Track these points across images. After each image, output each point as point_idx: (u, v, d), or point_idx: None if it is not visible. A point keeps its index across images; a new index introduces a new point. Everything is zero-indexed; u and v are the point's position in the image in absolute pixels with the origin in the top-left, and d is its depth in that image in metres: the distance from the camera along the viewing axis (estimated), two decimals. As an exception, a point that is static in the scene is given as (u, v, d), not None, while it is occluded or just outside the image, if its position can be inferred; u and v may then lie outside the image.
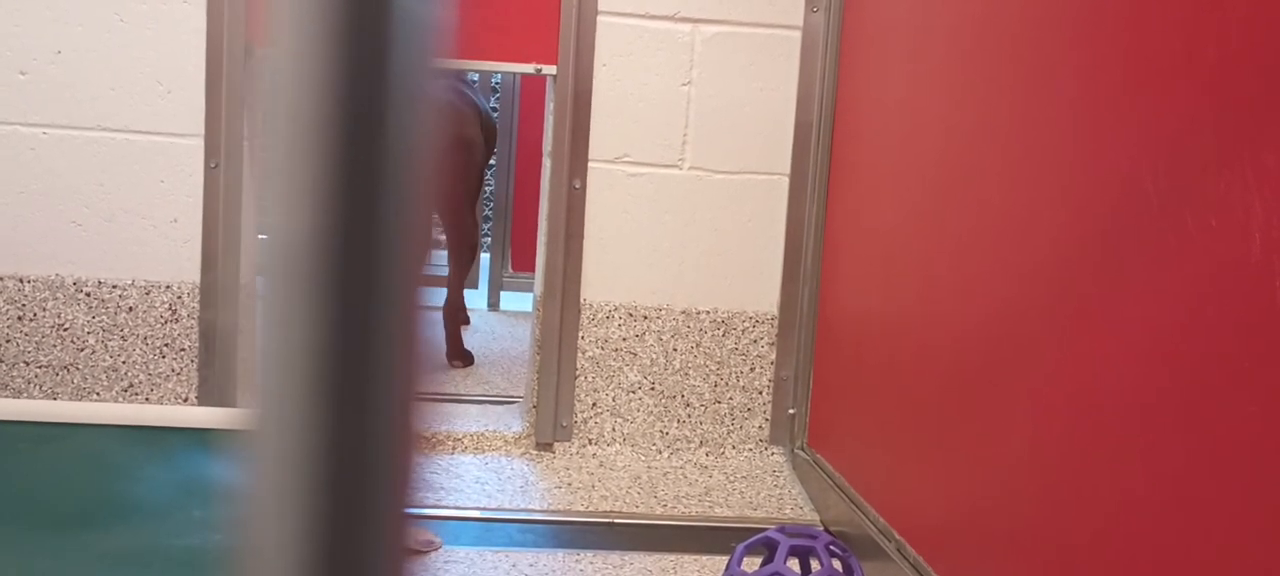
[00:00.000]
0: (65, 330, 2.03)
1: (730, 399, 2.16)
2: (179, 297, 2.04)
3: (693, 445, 2.16)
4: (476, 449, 2.12)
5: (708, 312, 2.14)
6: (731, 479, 2.07)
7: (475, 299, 3.94)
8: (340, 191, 0.29)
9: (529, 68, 2.06)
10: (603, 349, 2.12)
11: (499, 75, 4.22)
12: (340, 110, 0.29)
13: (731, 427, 2.17)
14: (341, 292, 0.29)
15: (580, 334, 2.11)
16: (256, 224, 2.17)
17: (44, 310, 2.02)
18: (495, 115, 3.92)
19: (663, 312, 2.13)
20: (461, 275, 2.93)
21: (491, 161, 3.56)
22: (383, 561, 0.31)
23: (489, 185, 3.97)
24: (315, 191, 0.29)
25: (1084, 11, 1.15)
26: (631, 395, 2.13)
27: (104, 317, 2.03)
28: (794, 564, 1.44)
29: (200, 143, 2.01)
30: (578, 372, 2.12)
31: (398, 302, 0.30)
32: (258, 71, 2.11)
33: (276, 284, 0.30)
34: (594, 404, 2.13)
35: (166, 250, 2.03)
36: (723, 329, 2.15)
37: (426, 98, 0.31)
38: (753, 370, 2.16)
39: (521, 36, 2.05)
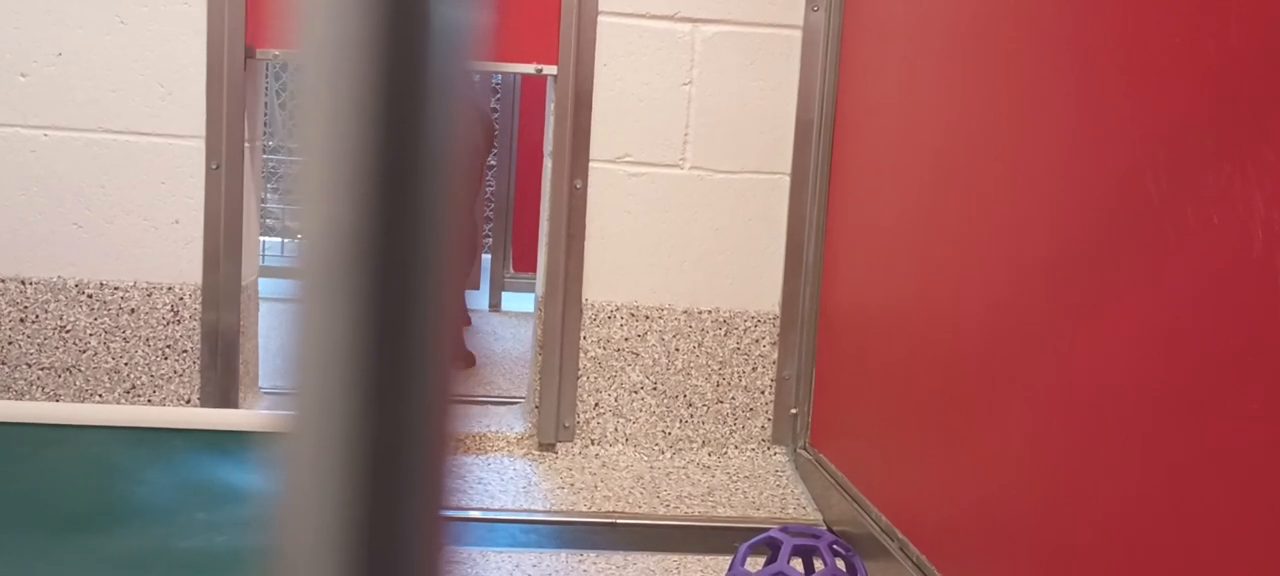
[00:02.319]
0: (67, 332, 2.03)
1: (732, 398, 2.16)
2: (181, 299, 2.04)
3: (695, 445, 2.16)
4: (479, 449, 2.12)
5: (709, 312, 2.13)
6: (734, 479, 2.07)
7: (476, 299, 3.94)
8: (377, 191, 0.29)
9: (529, 68, 2.06)
10: (605, 349, 2.12)
11: (499, 75, 4.22)
12: (377, 109, 0.29)
13: (734, 427, 2.17)
14: (378, 292, 0.29)
15: (582, 334, 2.11)
16: (263, 225, 2.17)
17: (46, 312, 2.02)
18: (495, 115, 3.92)
19: (664, 312, 2.12)
20: (463, 276, 2.94)
21: (491, 162, 3.56)
22: (420, 561, 0.31)
23: (489, 185, 3.97)
24: (352, 191, 0.29)
25: (1083, 6, 1.15)
26: (634, 395, 2.13)
27: (106, 319, 2.03)
28: (797, 563, 1.44)
29: (201, 144, 2.01)
30: (580, 373, 2.12)
31: (434, 303, 0.30)
32: (292, 70, 2.11)
33: (313, 284, 0.30)
34: (596, 404, 2.13)
35: (168, 251, 2.03)
36: (724, 328, 2.14)
37: (461, 98, 0.31)
38: (755, 370, 2.16)
39: (522, 37, 2.05)
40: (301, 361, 0.30)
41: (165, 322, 2.04)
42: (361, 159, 0.29)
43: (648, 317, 2.12)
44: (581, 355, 2.12)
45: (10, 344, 2.02)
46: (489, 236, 4.19)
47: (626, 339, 2.12)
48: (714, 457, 2.14)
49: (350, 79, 0.29)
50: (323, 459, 0.30)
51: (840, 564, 1.43)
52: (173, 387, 2.06)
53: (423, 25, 0.29)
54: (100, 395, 2.05)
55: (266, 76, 4.11)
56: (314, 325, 0.30)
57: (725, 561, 1.68)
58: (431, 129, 0.30)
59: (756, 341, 2.15)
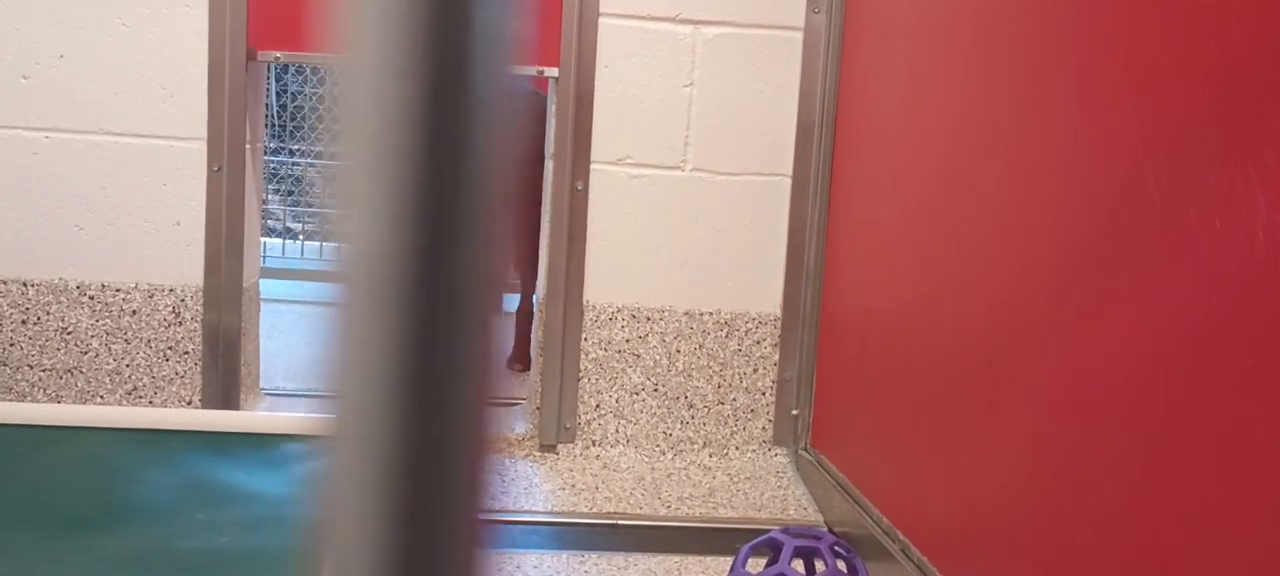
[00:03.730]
0: (69, 333, 2.03)
1: (733, 400, 2.16)
2: (182, 300, 2.04)
3: (696, 446, 2.16)
4: (480, 451, 2.11)
5: (711, 314, 2.14)
6: (735, 480, 2.07)
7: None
8: (420, 201, 0.29)
9: (531, 70, 2.06)
10: (606, 350, 2.12)
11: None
12: (420, 119, 0.29)
13: (735, 429, 2.17)
14: (420, 302, 0.30)
15: (583, 335, 2.11)
16: (264, 226, 2.17)
17: (47, 314, 2.02)
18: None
19: (666, 314, 2.13)
20: (533, 279, 2.98)
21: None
22: (460, 565, 0.32)
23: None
24: (395, 202, 0.29)
25: (1085, 8, 1.15)
26: (635, 396, 2.13)
27: (107, 321, 2.03)
28: (799, 565, 1.44)
29: (202, 145, 2.01)
30: (581, 374, 2.12)
31: (475, 311, 0.31)
32: (336, 76, 2.11)
33: (354, 293, 0.30)
34: (597, 405, 2.13)
35: (169, 253, 2.03)
36: (726, 330, 2.14)
37: (505, 107, 0.31)
38: (756, 371, 2.16)
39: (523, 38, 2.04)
40: (343, 369, 0.30)
41: (166, 324, 2.04)
42: (406, 166, 0.29)
43: (649, 319, 2.12)
44: (583, 356, 2.12)
45: (12, 345, 2.02)
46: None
47: (628, 340, 2.12)
48: (715, 459, 2.14)
49: (392, 88, 0.29)
50: (364, 465, 0.30)
51: (841, 565, 1.43)
52: (174, 389, 2.06)
53: (467, 31, 0.29)
54: (102, 396, 2.05)
55: (267, 78, 4.11)
56: (356, 333, 0.30)
57: (726, 563, 1.68)
58: (474, 137, 0.30)
59: (758, 343, 2.15)
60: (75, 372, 2.04)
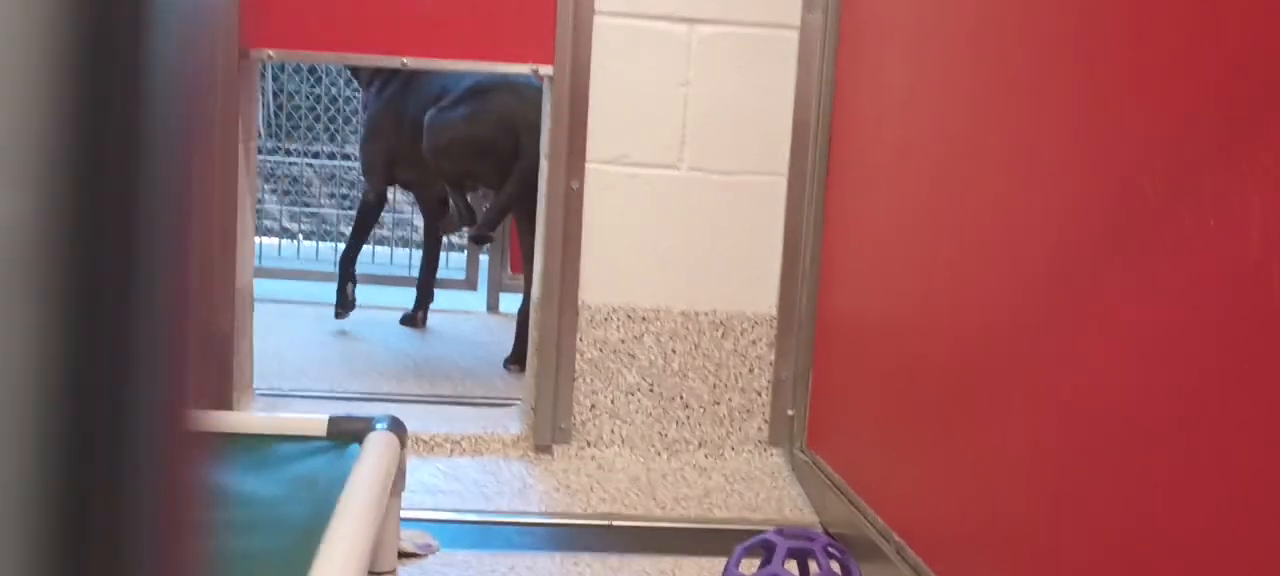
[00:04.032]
0: (61, 334, 2.02)
1: (729, 400, 2.15)
2: (175, 301, 2.03)
3: (691, 447, 2.15)
4: (475, 451, 2.11)
5: (706, 314, 2.13)
6: (730, 481, 2.06)
7: (475, 301, 3.94)
8: (68, 176, 0.26)
9: (526, 69, 2.05)
10: (601, 351, 2.11)
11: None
12: (77, 86, 0.25)
13: (730, 429, 2.16)
14: (69, 289, 0.26)
15: (578, 336, 2.10)
16: (258, 226, 2.16)
17: (40, 314, 2.01)
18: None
19: (661, 314, 2.12)
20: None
21: None
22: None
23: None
24: (40, 173, 0.25)
25: (1082, 11, 1.14)
26: (630, 397, 2.13)
27: (100, 321, 2.02)
28: (792, 566, 1.43)
29: (196, 145, 2.00)
30: (576, 375, 2.11)
31: (151, 305, 0.28)
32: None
33: None
34: (592, 406, 2.12)
35: (163, 253, 2.02)
36: (721, 330, 2.14)
37: (191, 82, 0.28)
38: (751, 371, 2.15)
39: (518, 37, 2.04)
40: None
41: (160, 324, 2.03)
42: (52, 145, 0.25)
43: (644, 319, 2.11)
44: (578, 357, 2.11)
45: (4, 345, 2.01)
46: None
47: (623, 340, 2.11)
48: (710, 459, 2.13)
49: (46, 46, 0.25)
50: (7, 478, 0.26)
51: (835, 566, 1.42)
52: (167, 389, 2.05)
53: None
54: (95, 397, 2.04)
55: (266, 78, 4.10)
56: None
57: (721, 563, 1.67)
58: (146, 110, 0.26)
59: (753, 343, 2.14)
60: (68, 373, 2.03)
